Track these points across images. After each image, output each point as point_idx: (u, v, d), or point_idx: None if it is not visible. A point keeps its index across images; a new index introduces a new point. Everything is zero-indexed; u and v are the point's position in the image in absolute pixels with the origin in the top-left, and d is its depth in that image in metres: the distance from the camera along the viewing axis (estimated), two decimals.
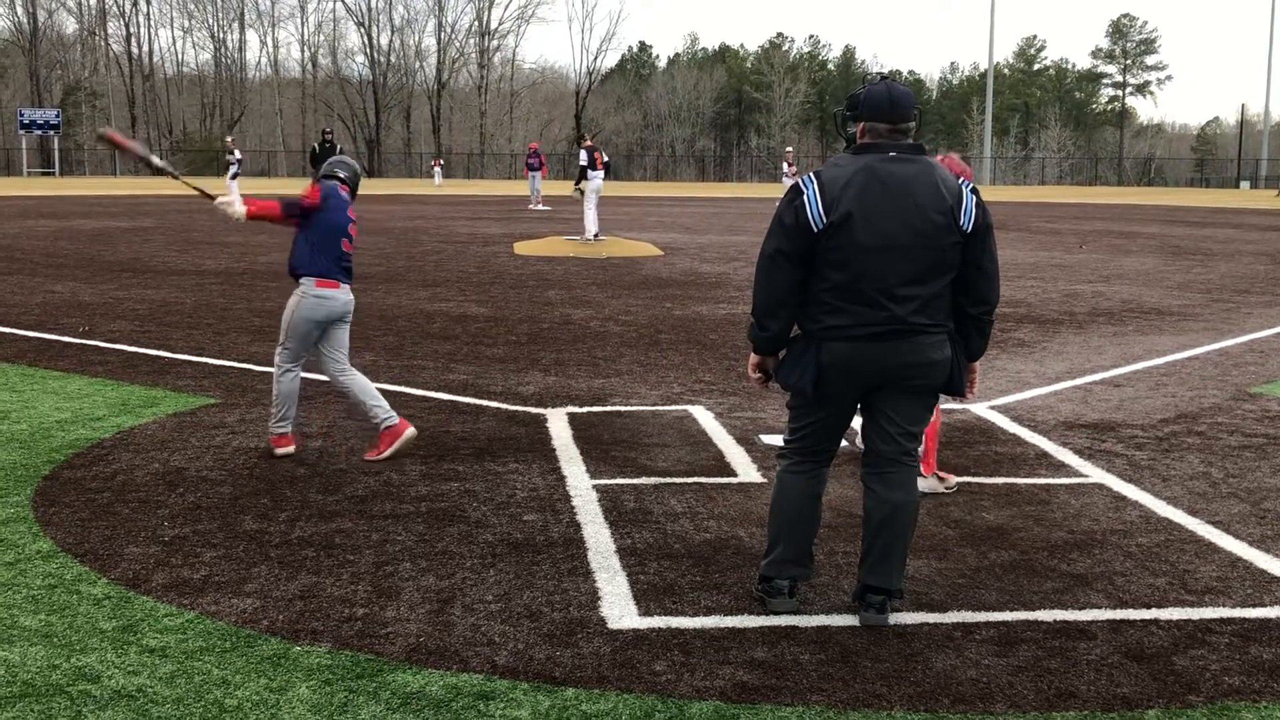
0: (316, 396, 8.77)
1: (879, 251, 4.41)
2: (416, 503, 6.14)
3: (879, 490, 4.63)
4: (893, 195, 4.43)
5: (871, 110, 4.54)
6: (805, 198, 4.47)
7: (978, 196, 4.59)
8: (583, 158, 25.37)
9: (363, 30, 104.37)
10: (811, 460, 4.75)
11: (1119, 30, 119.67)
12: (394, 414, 7.13)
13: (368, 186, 61.62)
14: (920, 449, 4.83)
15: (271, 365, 10.01)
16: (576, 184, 25.06)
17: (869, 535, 4.67)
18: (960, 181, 4.59)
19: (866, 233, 4.40)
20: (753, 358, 4.79)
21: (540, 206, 38.67)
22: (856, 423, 5.44)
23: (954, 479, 6.52)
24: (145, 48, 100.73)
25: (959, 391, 4.67)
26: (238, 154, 37.90)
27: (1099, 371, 10.36)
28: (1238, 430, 8.13)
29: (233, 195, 7.03)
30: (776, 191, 65.72)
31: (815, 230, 4.43)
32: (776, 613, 4.72)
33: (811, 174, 4.60)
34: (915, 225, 4.42)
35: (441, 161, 75.20)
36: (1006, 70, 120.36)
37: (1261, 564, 5.41)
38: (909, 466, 4.64)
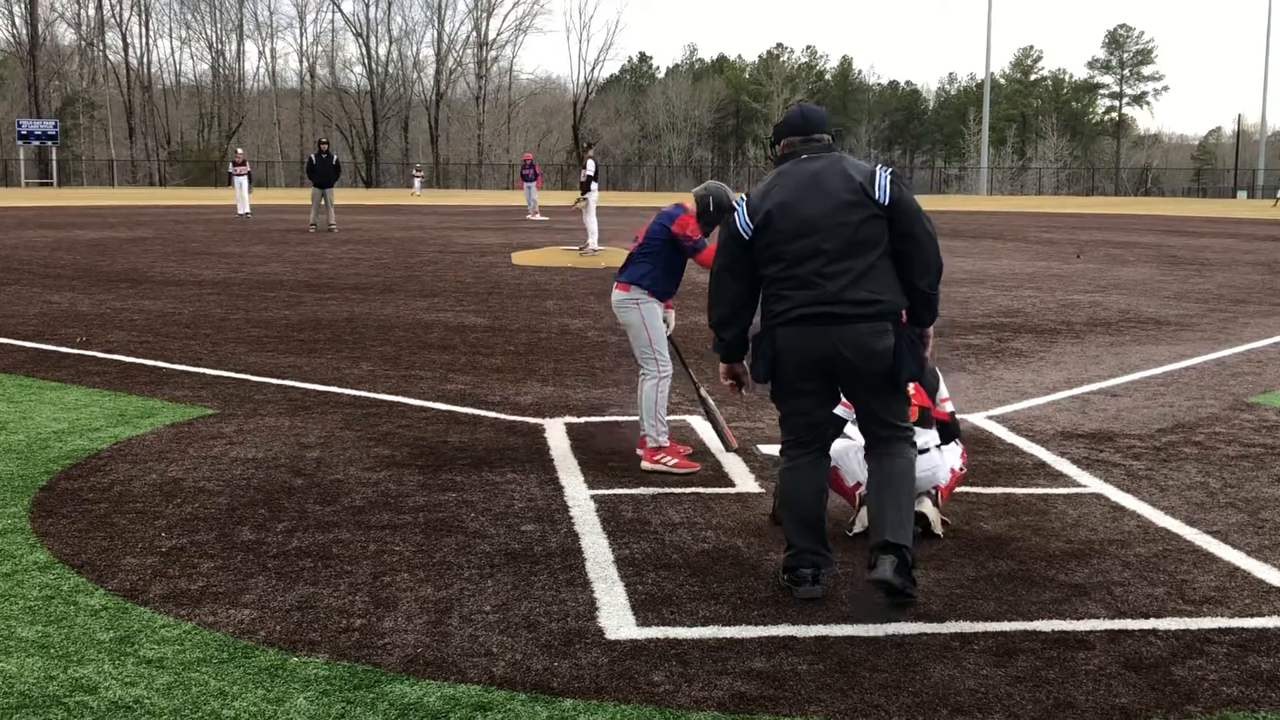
0: (314, 407, 8.78)
1: (800, 237, 4.89)
2: (414, 513, 6.14)
3: (872, 465, 5.04)
4: (804, 186, 4.93)
5: (788, 127, 5.11)
6: (735, 214, 5.07)
7: (895, 175, 4.94)
8: (590, 167, 25.35)
9: (361, 41, 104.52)
10: (804, 449, 5.05)
11: (1116, 41, 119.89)
12: (654, 433, 7.10)
13: (364, 197, 61.87)
14: (915, 434, 5.15)
15: (269, 375, 10.04)
16: (583, 194, 24.94)
17: (869, 503, 5.01)
18: (876, 165, 4.99)
19: (786, 225, 4.91)
20: (721, 366, 5.34)
21: (537, 217, 38.66)
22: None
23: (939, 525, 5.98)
24: (143, 58, 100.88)
25: (904, 379, 4.91)
26: (246, 166, 37.83)
27: (1096, 381, 10.36)
28: (1235, 440, 8.13)
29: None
30: None
31: (746, 238, 5.00)
32: (806, 599, 4.93)
33: (744, 195, 5.18)
34: (825, 207, 4.87)
35: (420, 171, 74.87)
36: (1003, 81, 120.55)
37: (1260, 574, 5.41)
38: (898, 441, 4.98)
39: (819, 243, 4.83)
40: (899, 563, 4.79)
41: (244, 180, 36.89)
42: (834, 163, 4.95)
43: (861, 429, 5.10)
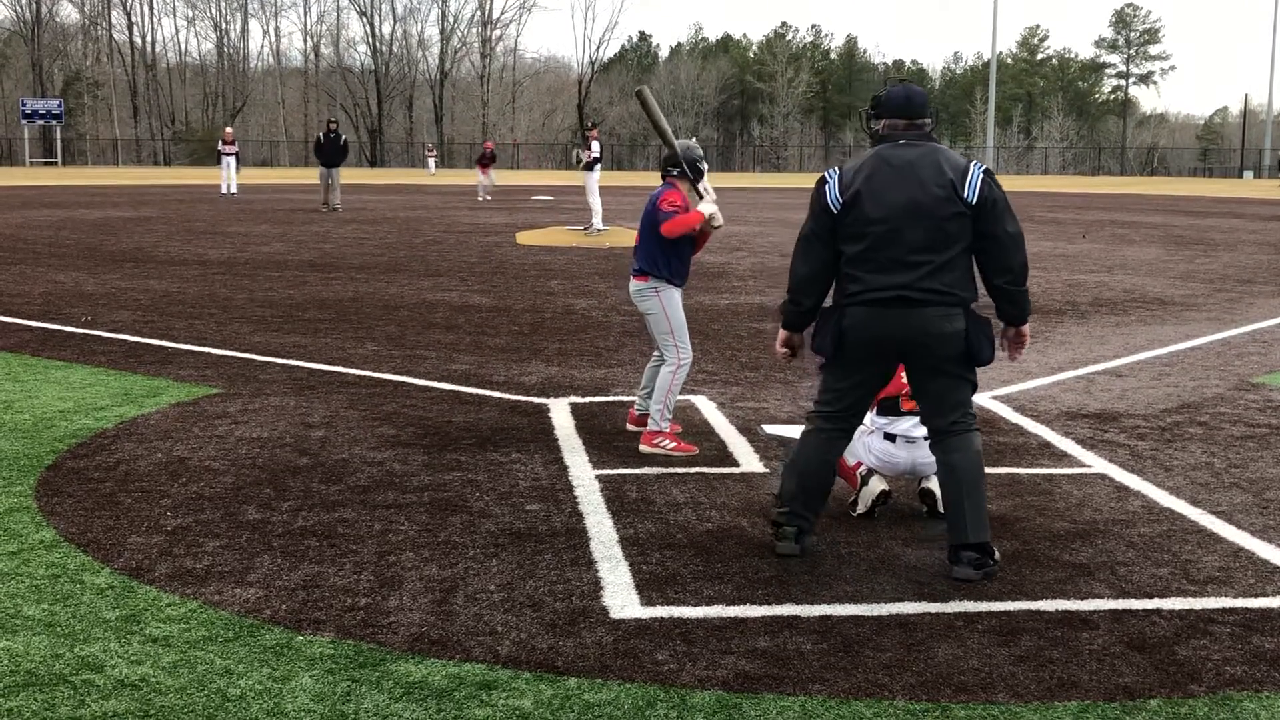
0: (319, 386, 8.79)
1: (886, 223, 4.96)
2: (419, 492, 6.15)
3: (939, 457, 5.15)
4: (898, 174, 5.00)
5: (891, 109, 5.15)
6: (827, 185, 5.14)
7: (987, 174, 5.02)
8: (595, 148, 25.32)
9: (365, 19, 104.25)
10: (833, 422, 5.22)
11: (1122, 20, 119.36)
12: (656, 417, 7.07)
13: (369, 176, 61.70)
14: (973, 414, 5.17)
15: (274, 355, 10.05)
16: (585, 166, 24.82)
17: (943, 499, 5.19)
18: (971, 162, 5.02)
19: (874, 208, 4.98)
20: (781, 333, 5.38)
21: (486, 198, 38.03)
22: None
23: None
24: (148, 37, 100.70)
25: (980, 361, 5.07)
26: (235, 146, 37.63)
27: (1101, 361, 10.35)
28: (1240, 420, 8.12)
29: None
30: (779, 182, 65.67)
31: (834, 211, 5.08)
32: (781, 555, 5.19)
33: (836, 166, 5.29)
34: (916, 198, 4.95)
35: (434, 150, 74.33)
36: (1009, 60, 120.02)
37: (1264, 554, 5.41)
38: (959, 433, 5.07)
39: (903, 232, 4.94)
40: (979, 558, 5.00)
41: (232, 160, 36.80)
42: (930, 154, 5.02)
43: (927, 420, 5.17)
